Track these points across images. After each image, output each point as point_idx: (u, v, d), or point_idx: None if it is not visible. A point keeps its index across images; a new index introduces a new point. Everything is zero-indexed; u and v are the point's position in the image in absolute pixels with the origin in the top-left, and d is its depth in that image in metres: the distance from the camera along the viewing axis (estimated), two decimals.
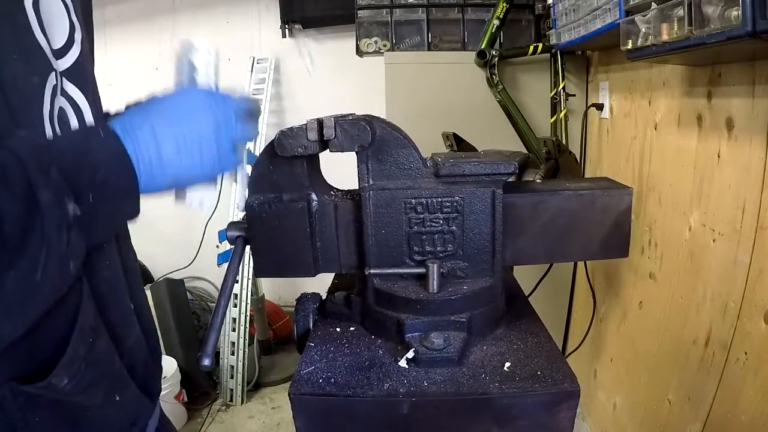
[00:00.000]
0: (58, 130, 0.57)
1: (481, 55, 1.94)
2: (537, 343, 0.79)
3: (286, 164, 0.78)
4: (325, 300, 0.91)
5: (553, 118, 1.99)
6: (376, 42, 2.20)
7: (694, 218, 1.31)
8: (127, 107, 0.75)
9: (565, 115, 1.94)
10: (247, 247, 0.82)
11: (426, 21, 2.17)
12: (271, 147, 0.76)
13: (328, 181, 0.87)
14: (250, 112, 0.67)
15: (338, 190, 0.85)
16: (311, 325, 0.87)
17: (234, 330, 2.62)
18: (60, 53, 0.59)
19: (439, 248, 0.80)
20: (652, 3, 1.02)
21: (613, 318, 1.86)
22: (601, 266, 1.94)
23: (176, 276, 2.95)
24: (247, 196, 0.79)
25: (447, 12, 2.18)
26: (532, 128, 1.94)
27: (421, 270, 0.79)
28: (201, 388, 2.64)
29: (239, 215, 0.84)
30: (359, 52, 2.24)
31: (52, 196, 0.46)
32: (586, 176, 1.88)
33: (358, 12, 2.21)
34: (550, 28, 1.83)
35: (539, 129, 2.00)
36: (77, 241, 0.50)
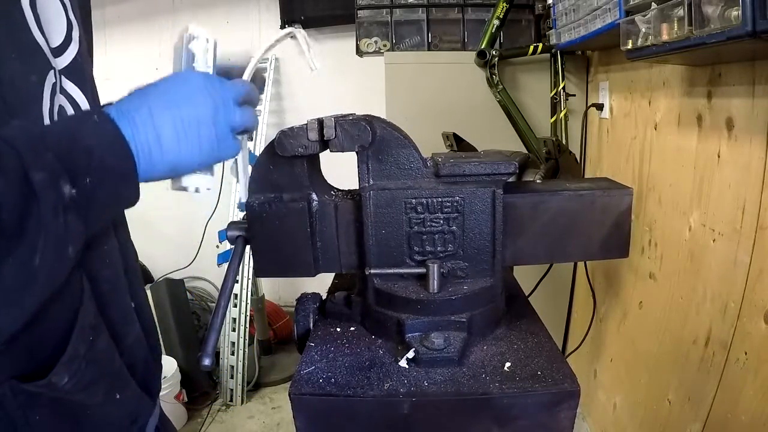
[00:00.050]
0: None
1: (481, 55, 1.94)
2: (537, 343, 0.79)
3: (287, 164, 0.78)
4: (325, 300, 0.91)
5: (553, 118, 1.99)
6: (376, 42, 2.20)
7: (694, 218, 1.31)
8: (129, 94, 0.75)
9: (565, 115, 1.94)
10: (247, 247, 0.82)
11: (426, 21, 2.17)
12: (271, 147, 0.76)
13: (328, 181, 0.87)
14: (249, 97, 0.67)
15: (338, 190, 0.85)
16: (311, 325, 0.87)
17: (234, 330, 2.62)
18: (58, 51, 0.59)
19: (439, 248, 0.80)
20: (652, 3, 1.02)
21: (613, 318, 1.86)
22: (601, 266, 1.94)
23: (176, 276, 2.95)
24: (247, 195, 0.79)
25: (447, 12, 2.18)
26: (532, 128, 1.94)
27: (422, 270, 0.79)
28: (201, 388, 2.64)
29: (239, 215, 0.84)
30: (359, 52, 2.24)
31: (46, 178, 0.46)
32: (586, 176, 1.88)
33: (358, 12, 2.21)
34: (550, 28, 1.83)
35: (539, 129, 2.00)
36: (75, 225, 0.49)
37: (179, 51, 0.70)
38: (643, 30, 1.08)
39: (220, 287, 0.73)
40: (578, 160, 1.80)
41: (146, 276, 3.02)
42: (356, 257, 0.82)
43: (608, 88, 1.86)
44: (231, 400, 2.61)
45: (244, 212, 0.80)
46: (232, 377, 2.61)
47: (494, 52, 1.93)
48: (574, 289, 2.16)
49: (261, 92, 0.82)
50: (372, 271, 0.79)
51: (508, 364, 0.73)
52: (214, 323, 0.68)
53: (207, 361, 0.65)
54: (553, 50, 1.90)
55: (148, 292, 2.54)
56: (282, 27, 2.88)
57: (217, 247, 2.74)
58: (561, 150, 1.42)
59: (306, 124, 0.73)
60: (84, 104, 0.63)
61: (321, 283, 0.98)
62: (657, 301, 1.52)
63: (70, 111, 0.61)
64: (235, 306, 2.63)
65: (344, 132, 0.74)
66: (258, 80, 0.77)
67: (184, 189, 0.67)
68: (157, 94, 0.59)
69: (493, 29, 1.97)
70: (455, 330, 0.77)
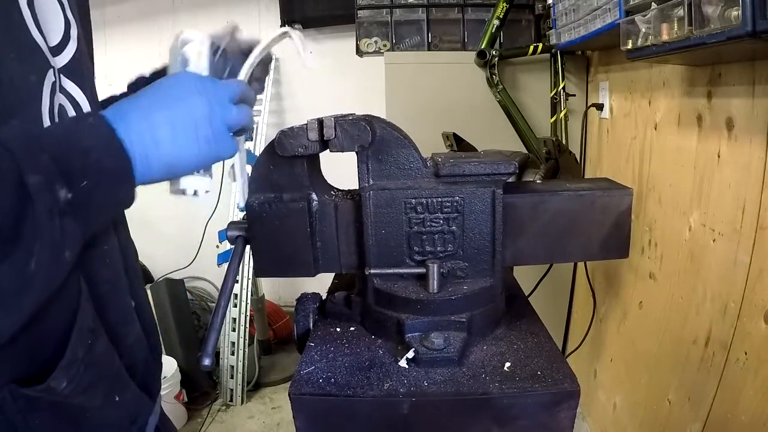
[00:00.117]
0: None
1: (481, 55, 1.94)
2: (537, 343, 0.79)
3: (287, 164, 0.78)
4: (325, 300, 0.91)
5: (553, 118, 1.99)
6: (376, 42, 2.20)
7: (694, 218, 1.31)
8: (129, 86, 0.74)
9: (565, 115, 1.94)
10: (247, 247, 0.82)
11: (426, 21, 2.17)
12: (271, 147, 0.76)
13: (328, 181, 0.87)
14: (245, 96, 0.67)
15: (338, 190, 0.85)
16: (311, 325, 0.87)
17: (234, 330, 2.62)
18: (57, 50, 0.59)
19: (439, 248, 0.80)
20: (652, 3, 1.02)
21: (613, 318, 1.86)
22: (601, 266, 1.94)
23: (176, 276, 2.95)
24: (245, 197, 0.79)
25: (447, 12, 2.18)
26: (532, 128, 1.94)
27: (421, 270, 0.79)
28: (201, 388, 2.64)
29: (239, 215, 0.84)
30: (359, 52, 2.24)
31: (41, 181, 0.45)
32: (586, 176, 1.88)
33: (358, 12, 2.21)
34: (550, 28, 1.83)
35: (539, 129, 2.00)
36: (71, 228, 0.49)
37: (174, 53, 0.70)
38: (643, 30, 1.08)
39: (220, 287, 0.73)
40: (578, 160, 1.80)
41: (146, 276, 3.03)
42: (356, 257, 0.82)
43: (608, 88, 1.86)
44: (231, 400, 2.61)
45: (244, 212, 0.80)
46: (232, 377, 2.61)
47: (494, 52, 1.93)
48: (574, 289, 2.16)
49: (266, 73, 0.82)
50: (372, 271, 0.79)
51: (507, 364, 0.73)
52: (214, 323, 0.68)
53: (207, 361, 0.65)
54: (553, 50, 1.90)
55: (148, 292, 2.53)
56: (282, 27, 2.87)
57: (217, 247, 2.74)
58: (561, 150, 1.42)
59: (306, 124, 0.73)
60: (84, 103, 0.63)
61: (321, 283, 0.98)
62: (657, 301, 1.52)
63: (70, 110, 0.61)
64: (235, 306, 2.63)
65: (344, 132, 0.74)
66: (264, 60, 0.75)
67: (183, 192, 0.66)
68: (151, 95, 0.59)
69: (493, 29, 1.97)
70: (455, 330, 0.77)
